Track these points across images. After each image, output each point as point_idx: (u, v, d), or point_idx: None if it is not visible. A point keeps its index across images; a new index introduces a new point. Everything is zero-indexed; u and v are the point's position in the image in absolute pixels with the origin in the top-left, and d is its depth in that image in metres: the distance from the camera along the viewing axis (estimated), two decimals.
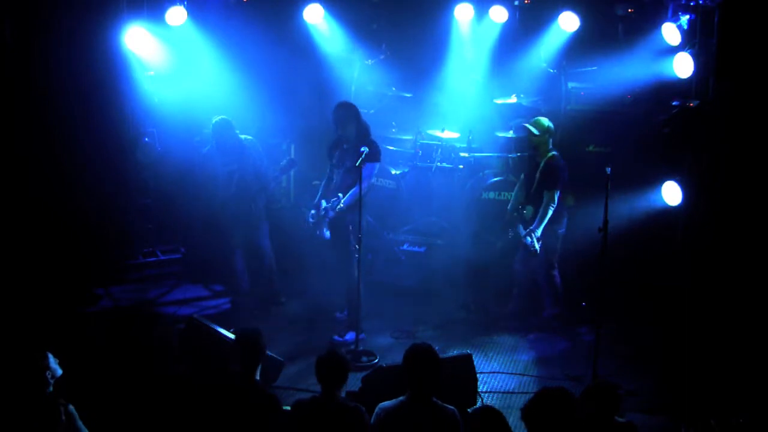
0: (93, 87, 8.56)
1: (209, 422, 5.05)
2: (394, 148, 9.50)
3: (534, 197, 7.64)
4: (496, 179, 8.99)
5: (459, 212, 9.09)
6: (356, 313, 7.35)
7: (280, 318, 8.26)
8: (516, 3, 9.39)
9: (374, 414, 4.88)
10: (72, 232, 8.58)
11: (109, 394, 5.98)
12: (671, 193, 7.80)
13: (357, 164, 7.01)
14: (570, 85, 9.24)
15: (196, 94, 9.01)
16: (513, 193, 8.09)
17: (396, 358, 7.16)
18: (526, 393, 6.74)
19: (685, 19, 7.95)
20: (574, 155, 8.59)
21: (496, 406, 5.99)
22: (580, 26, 8.82)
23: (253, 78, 9.22)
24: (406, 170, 9.30)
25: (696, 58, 7.67)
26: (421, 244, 8.97)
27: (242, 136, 8.17)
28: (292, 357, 7.14)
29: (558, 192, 7.52)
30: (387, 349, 7.50)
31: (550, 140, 7.69)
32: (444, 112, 9.53)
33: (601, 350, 6.59)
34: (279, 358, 6.74)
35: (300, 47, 9.69)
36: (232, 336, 6.63)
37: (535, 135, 7.61)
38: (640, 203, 8.09)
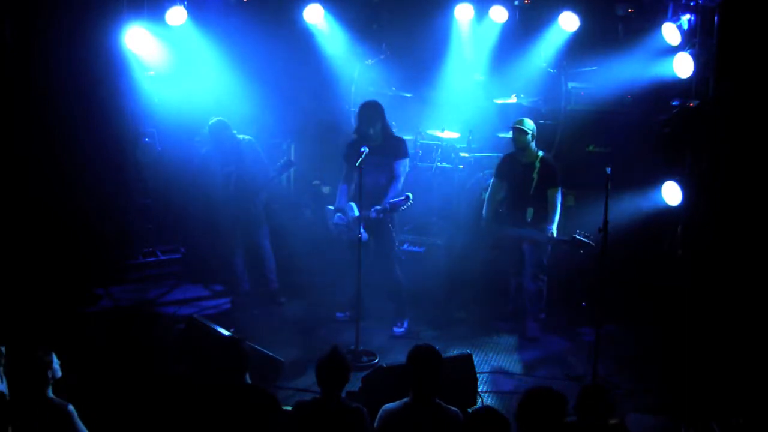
0: (93, 87, 8.56)
1: (209, 422, 5.04)
2: None
3: (533, 199, 7.57)
4: None
5: (459, 213, 9.09)
6: (404, 304, 7.76)
7: (280, 318, 8.26)
8: (516, 3, 9.39)
9: (378, 416, 4.88)
10: (72, 232, 8.58)
11: (109, 394, 5.98)
12: (671, 193, 7.80)
13: (357, 164, 6.99)
14: (570, 85, 9.24)
15: (196, 94, 9.01)
16: (487, 200, 7.89)
17: (396, 358, 7.19)
18: None
19: (685, 19, 7.96)
20: (574, 155, 8.61)
21: (496, 407, 6.03)
22: (580, 26, 8.81)
23: (253, 78, 9.21)
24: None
25: (696, 58, 7.67)
26: (420, 244, 8.96)
27: (241, 137, 8.17)
28: (292, 357, 7.14)
29: (560, 188, 7.52)
30: (387, 349, 7.50)
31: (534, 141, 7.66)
32: (444, 112, 9.53)
33: (601, 350, 6.59)
34: (279, 358, 6.74)
35: (300, 47, 9.68)
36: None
37: (525, 135, 7.53)
38: (640, 203, 8.09)
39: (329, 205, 7.73)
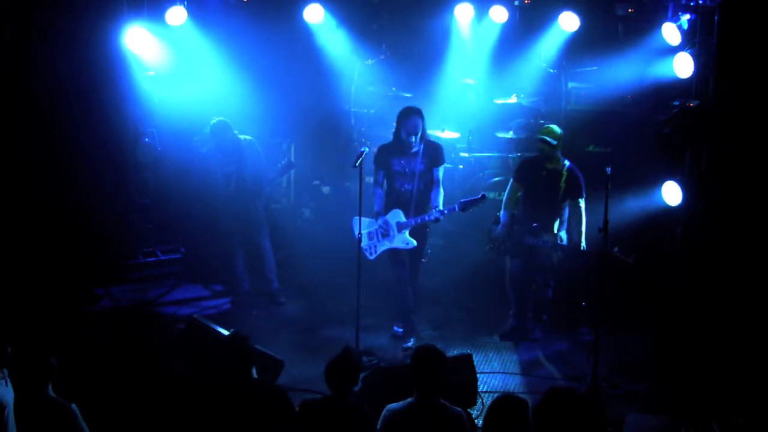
0: (93, 87, 8.56)
1: (209, 422, 5.04)
2: None
3: (559, 208, 7.36)
4: (496, 179, 8.98)
5: (459, 213, 9.07)
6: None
7: (280, 318, 8.26)
8: (516, 3, 9.41)
9: (381, 416, 4.87)
10: (72, 232, 8.58)
11: (109, 394, 5.98)
12: (671, 193, 7.80)
13: (356, 165, 6.97)
14: (570, 85, 9.25)
15: (196, 94, 9.01)
16: (505, 203, 7.57)
17: (396, 358, 7.20)
18: (526, 393, 6.73)
19: (685, 19, 7.95)
20: (574, 155, 8.58)
21: None
22: (580, 26, 8.83)
23: (253, 78, 9.22)
24: None
25: (696, 58, 7.67)
26: None
27: (242, 137, 8.17)
28: (292, 357, 7.12)
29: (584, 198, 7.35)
30: (387, 349, 7.51)
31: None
32: (444, 112, 9.53)
33: (601, 350, 6.59)
34: (279, 358, 6.74)
35: (300, 47, 9.69)
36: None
37: (552, 145, 7.29)
38: (640, 203, 8.08)
39: (355, 216, 7.27)
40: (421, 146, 7.30)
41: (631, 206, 8.04)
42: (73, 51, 8.36)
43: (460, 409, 4.88)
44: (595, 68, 9.15)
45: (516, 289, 7.69)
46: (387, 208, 7.40)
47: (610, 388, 6.72)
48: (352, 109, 9.82)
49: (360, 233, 7.13)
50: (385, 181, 7.45)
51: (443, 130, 9.35)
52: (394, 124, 7.33)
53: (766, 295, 7.13)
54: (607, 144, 8.99)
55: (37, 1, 8.37)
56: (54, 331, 7.27)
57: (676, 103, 7.91)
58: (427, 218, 7.27)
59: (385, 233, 7.36)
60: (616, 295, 7.51)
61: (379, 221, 7.36)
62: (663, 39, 8.04)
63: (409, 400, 4.85)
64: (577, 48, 9.06)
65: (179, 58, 9.02)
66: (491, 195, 8.89)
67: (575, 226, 7.33)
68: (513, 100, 9.34)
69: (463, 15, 9.30)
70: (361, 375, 6.09)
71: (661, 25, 8.11)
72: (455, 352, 6.99)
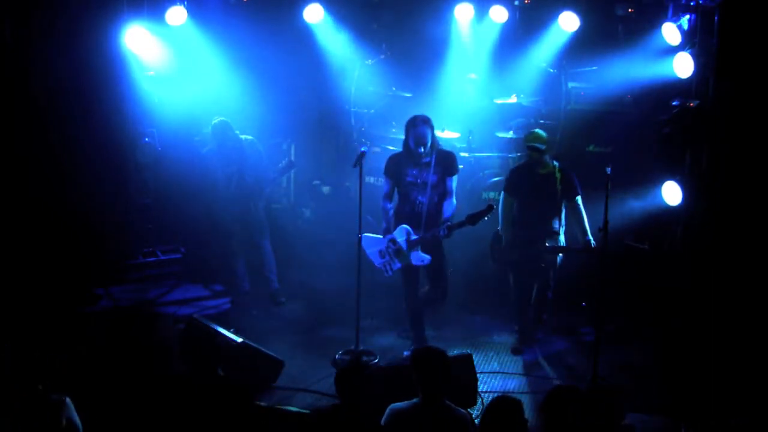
0: (93, 87, 8.55)
1: (209, 422, 5.04)
2: (394, 148, 9.46)
3: (559, 209, 7.33)
4: (496, 179, 8.98)
5: (459, 213, 9.07)
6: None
7: (280, 318, 8.26)
8: (516, 3, 9.39)
9: (385, 414, 4.86)
10: (72, 232, 8.57)
11: (109, 394, 5.98)
12: (671, 193, 7.80)
13: (354, 165, 6.96)
14: (570, 85, 9.24)
15: (196, 94, 9.01)
16: (502, 216, 7.43)
17: (396, 357, 7.20)
18: (526, 393, 6.74)
19: (685, 19, 7.95)
20: (574, 155, 8.60)
21: None
22: (580, 26, 8.82)
23: (253, 78, 9.22)
24: None
25: (696, 58, 7.67)
26: None
27: (243, 137, 8.18)
28: (292, 357, 7.14)
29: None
30: (387, 349, 7.51)
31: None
32: (444, 112, 9.53)
33: (601, 350, 6.59)
34: (279, 358, 6.74)
35: (300, 47, 9.68)
36: (233, 336, 6.64)
37: (542, 150, 7.24)
38: (640, 203, 8.08)
39: (366, 233, 7.20)
40: (434, 156, 7.04)
41: (630, 206, 8.04)
42: (73, 51, 8.36)
43: (464, 410, 4.89)
44: (595, 68, 9.14)
45: (522, 300, 7.61)
46: (396, 224, 7.12)
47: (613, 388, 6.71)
48: (352, 109, 9.81)
49: (364, 236, 7.04)
50: (395, 194, 7.21)
51: (443, 129, 9.34)
52: (403, 133, 7.14)
53: (766, 296, 7.13)
54: (607, 144, 8.98)
55: (37, 1, 8.37)
56: (54, 331, 7.27)
57: (676, 103, 7.91)
58: (436, 234, 6.95)
59: (398, 252, 7.09)
60: (617, 295, 7.52)
61: (388, 239, 7.10)
62: (663, 39, 8.04)
63: (414, 400, 4.85)
64: (577, 48, 9.05)
65: (179, 58, 9.01)
66: (491, 195, 8.91)
67: (577, 225, 7.30)
68: (513, 100, 9.34)
69: (463, 15, 9.29)
70: (364, 374, 6.12)
71: (661, 25, 8.11)
72: (455, 352, 7.00)
